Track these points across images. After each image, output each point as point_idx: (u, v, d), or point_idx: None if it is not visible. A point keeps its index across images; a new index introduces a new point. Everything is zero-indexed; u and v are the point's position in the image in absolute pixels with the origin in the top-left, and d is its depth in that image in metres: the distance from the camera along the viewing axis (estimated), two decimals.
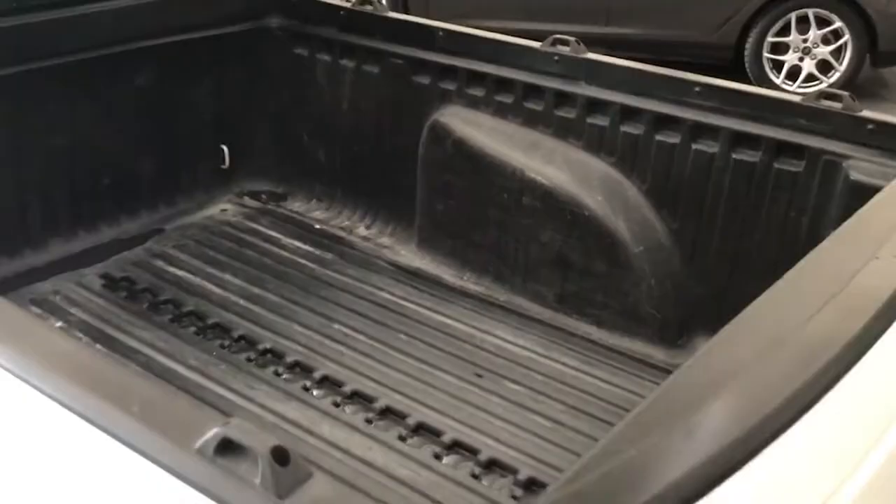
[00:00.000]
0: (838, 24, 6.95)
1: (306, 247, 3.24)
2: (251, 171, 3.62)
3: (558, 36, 2.76)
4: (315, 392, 2.46)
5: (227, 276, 3.02)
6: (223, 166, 3.54)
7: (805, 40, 7.05)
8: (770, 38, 7.09)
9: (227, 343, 2.66)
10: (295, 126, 3.50)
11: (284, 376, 2.52)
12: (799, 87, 7.07)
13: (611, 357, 2.61)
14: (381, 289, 2.98)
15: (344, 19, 3.24)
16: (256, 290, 2.94)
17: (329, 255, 3.19)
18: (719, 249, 2.54)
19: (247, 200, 3.58)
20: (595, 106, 2.69)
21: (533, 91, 2.80)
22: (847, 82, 7.09)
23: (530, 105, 2.82)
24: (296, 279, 3.02)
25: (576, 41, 2.72)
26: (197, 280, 2.99)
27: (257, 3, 3.37)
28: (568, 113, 2.74)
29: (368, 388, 2.44)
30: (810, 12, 6.96)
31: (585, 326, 2.74)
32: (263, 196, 3.61)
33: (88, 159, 3.08)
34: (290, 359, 2.57)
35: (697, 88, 2.48)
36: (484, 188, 2.89)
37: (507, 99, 2.86)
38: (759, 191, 2.43)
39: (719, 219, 2.51)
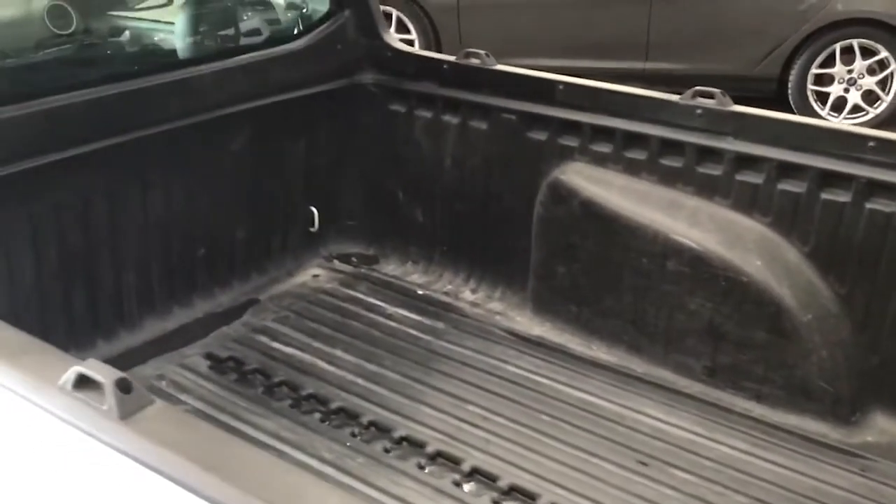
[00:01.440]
0: (884, 54, 6.84)
1: (413, 315, 3.03)
2: (340, 233, 3.43)
3: (700, 88, 2.57)
4: (467, 487, 2.24)
5: (339, 352, 2.80)
6: (312, 229, 3.35)
7: (850, 71, 6.94)
8: (814, 70, 6.98)
9: (357, 431, 2.44)
10: (389, 185, 3.31)
11: (429, 469, 2.30)
12: (844, 118, 6.95)
13: (779, 437, 2.40)
14: (505, 361, 2.77)
15: (447, 73, 3.06)
16: (373, 368, 2.72)
17: (440, 325, 2.98)
18: None
19: (336, 264, 3.38)
20: (745, 162, 2.50)
21: (670, 147, 2.62)
22: (894, 113, 6.97)
23: (667, 162, 2.63)
24: (412, 353, 2.81)
25: (721, 93, 2.53)
26: (308, 358, 2.77)
27: (351, 60, 3.19)
28: (713, 170, 2.55)
29: (527, 482, 2.22)
30: (855, 43, 6.86)
31: (742, 402, 2.52)
32: (353, 259, 3.41)
33: (184, 230, 2.88)
34: (430, 448, 2.35)
35: (872, 143, 2.29)
36: (617, 251, 2.70)
37: (640, 155, 2.68)
38: None
39: None
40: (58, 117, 2.39)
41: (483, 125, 3.00)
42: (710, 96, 2.55)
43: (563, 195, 2.81)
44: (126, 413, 1.19)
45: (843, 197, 2.36)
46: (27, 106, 2.33)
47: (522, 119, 2.90)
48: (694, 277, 2.54)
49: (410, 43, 7.60)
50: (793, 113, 6.82)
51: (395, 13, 7.48)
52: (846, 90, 6.99)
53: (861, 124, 6.77)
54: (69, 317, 2.63)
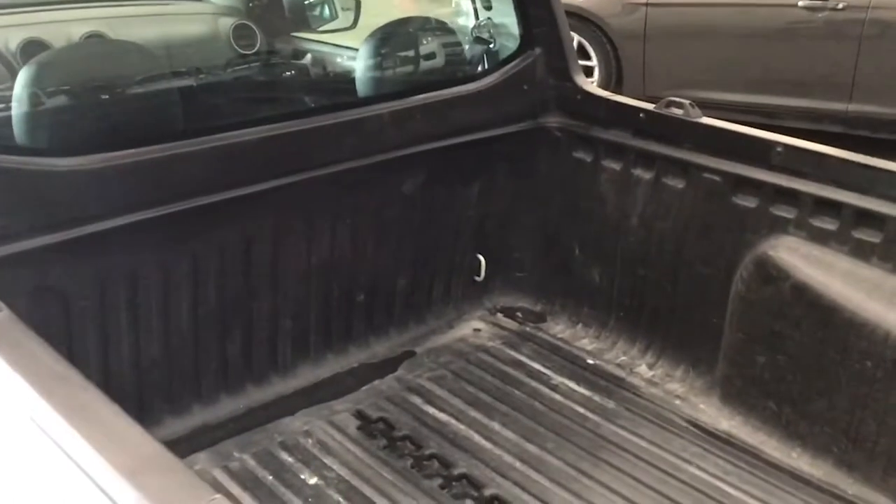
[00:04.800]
0: None
1: (582, 389, 2.72)
2: (506, 285, 3.17)
3: None
4: None
5: (496, 426, 2.54)
6: (477, 278, 3.10)
7: None
8: None
9: None
10: (565, 239, 3.02)
11: None
12: None
13: None
14: (687, 461, 2.41)
15: (643, 123, 2.73)
16: (534, 450, 2.44)
17: (611, 404, 2.66)
18: None
19: (500, 318, 3.12)
20: None
21: None
22: None
23: None
24: (579, 437, 2.50)
25: None
26: (462, 429, 2.52)
27: (537, 101, 2.92)
28: None
29: None
30: None
31: None
32: (519, 314, 3.14)
33: (346, 275, 2.71)
34: None
35: None
36: (835, 348, 2.28)
37: (874, 238, 2.26)
38: None
39: None
40: (231, 155, 2.27)
41: (680, 184, 2.66)
42: None
43: (771, 274, 2.42)
44: None
45: None
46: (201, 142, 2.21)
47: (728, 181, 2.53)
48: None
49: (590, 70, 7.28)
50: None
51: (576, 38, 7.17)
52: None
53: None
54: (222, 360, 2.51)
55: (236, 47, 3.84)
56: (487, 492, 2.27)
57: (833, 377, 2.30)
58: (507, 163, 2.96)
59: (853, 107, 6.56)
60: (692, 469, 2.37)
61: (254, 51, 3.89)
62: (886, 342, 2.17)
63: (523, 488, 2.28)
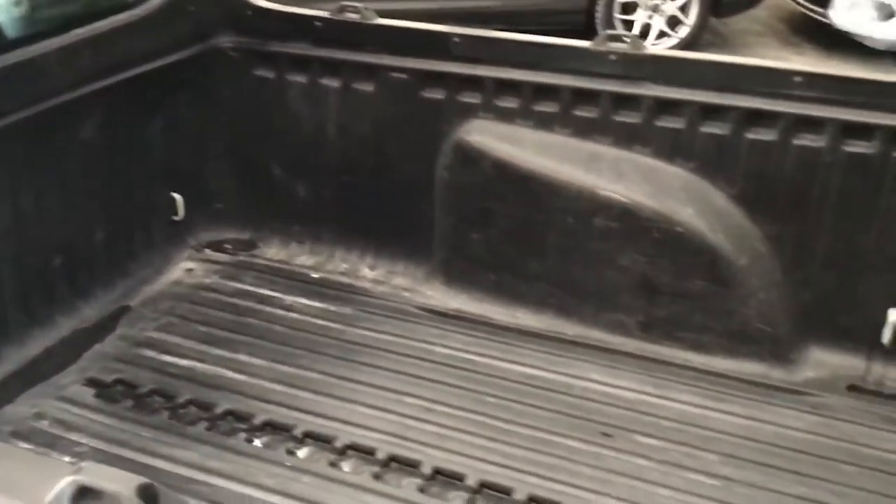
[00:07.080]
0: None
1: (315, 303, 2.75)
2: (208, 218, 3.05)
3: (612, 32, 2.45)
4: (434, 491, 2.04)
5: (243, 357, 2.49)
6: (176, 218, 2.95)
7: None
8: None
9: (292, 446, 2.17)
10: (263, 160, 2.97)
11: (387, 477, 2.08)
12: (651, 44, 7.17)
13: (727, 385, 2.38)
14: (430, 343, 2.57)
15: (321, 31, 2.74)
16: (290, 370, 2.44)
17: (347, 310, 2.72)
18: (827, 251, 2.35)
19: (209, 254, 3.01)
20: (665, 107, 2.41)
21: (584, 97, 2.48)
22: (695, 36, 7.28)
23: (581, 113, 2.49)
24: (328, 347, 2.54)
25: (635, 37, 2.42)
26: (209, 369, 2.44)
27: (205, 21, 2.78)
28: (631, 118, 2.44)
29: (496, 476, 2.06)
30: None
31: (682, 353, 2.48)
32: (228, 246, 3.05)
33: (36, 239, 2.43)
34: (381, 454, 2.12)
35: (798, 79, 2.26)
36: (538, 212, 2.55)
37: (552, 108, 2.52)
38: (875, 183, 2.25)
39: (826, 218, 2.32)
40: None
41: (369, 87, 2.73)
42: (623, 40, 2.42)
43: (471, 157, 2.61)
44: None
45: (769, 136, 2.33)
46: None
47: (414, 77, 2.65)
48: (624, 232, 2.44)
49: None
50: None
51: None
52: (650, 17, 7.20)
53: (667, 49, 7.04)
54: None
55: None
56: (257, 420, 2.23)
57: (540, 238, 2.57)
58: (187, 91, 2.81)
59: (464, 4, 7.07)
60: (437, 349, 2.53)
61: None
62: (580, 197, 2.47)
63: (290, 407, 2.29)
